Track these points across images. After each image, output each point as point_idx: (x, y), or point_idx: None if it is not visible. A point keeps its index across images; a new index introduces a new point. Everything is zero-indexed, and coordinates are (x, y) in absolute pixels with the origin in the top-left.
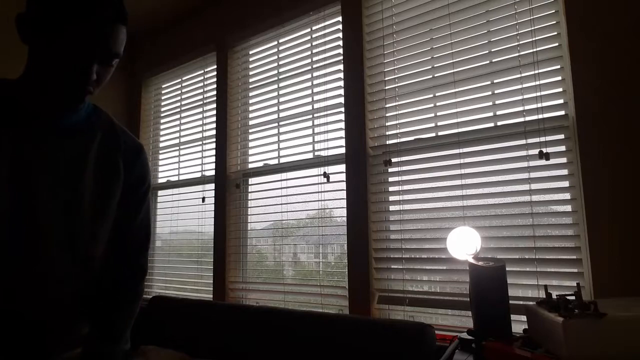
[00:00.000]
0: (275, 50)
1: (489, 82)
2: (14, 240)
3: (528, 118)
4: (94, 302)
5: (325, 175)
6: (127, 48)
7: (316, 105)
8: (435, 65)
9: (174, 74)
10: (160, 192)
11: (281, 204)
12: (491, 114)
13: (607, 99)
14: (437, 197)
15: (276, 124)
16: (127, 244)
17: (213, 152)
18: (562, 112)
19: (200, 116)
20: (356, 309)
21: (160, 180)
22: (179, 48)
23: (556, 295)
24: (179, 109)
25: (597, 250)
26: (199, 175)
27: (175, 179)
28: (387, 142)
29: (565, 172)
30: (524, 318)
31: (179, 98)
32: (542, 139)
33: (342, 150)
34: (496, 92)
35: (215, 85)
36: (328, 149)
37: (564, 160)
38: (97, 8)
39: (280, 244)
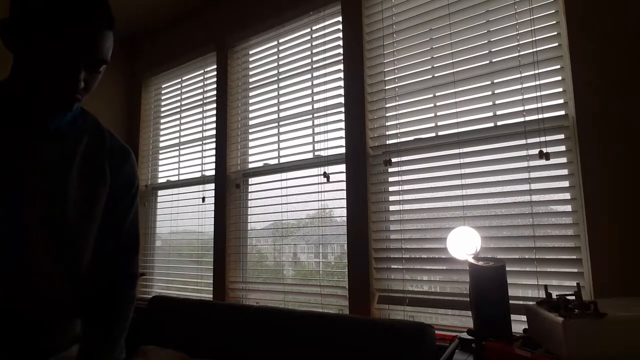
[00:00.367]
0: (275, 50)
1: (489, 82)
2: (0, 242)
3: (528, 118)
4: (86, 308)
5: (325, 175)
6: (127, 48)
7: (316, 105)
8: (435, 65)
9: (174, 74)
10: (160, 192)
11: (281, 204)
12: (491, 114)
13: (607, 99)
14: (437, 197)
15: (276, 124)
16: (116, 249)
17: (213, 152)
18: (562, 112)
19: (200, 116)
20: (356, 309)
21: (160, 180)
22: (179, 48)
23: (556, 295)
24: (179, 109)
25: (597, 250)
26: (199, 175)
27: (175, 179)
28: (387, 142)
29: (565, 172)
30: (524, 318)
31: (179, 98)
32: (542, 139)
33: (342, 150)
34: (496, 92)
35: (215, 85)
36: (328, 149)
37: (564, 160)
38: (83, 14)
39: (280, 244)
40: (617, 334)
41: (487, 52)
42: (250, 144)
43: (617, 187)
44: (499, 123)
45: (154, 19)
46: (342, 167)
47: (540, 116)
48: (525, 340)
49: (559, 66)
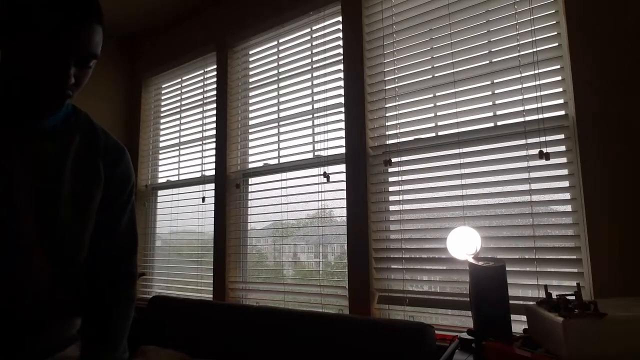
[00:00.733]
0: (275, 50)
1: (489, 82)
2: None
3: (528, 118)
4: (86, 308)
5: (325, 175)
6: (127, 48)
7: (316, 105)
8: (435, 65)
9: (174, 74)
10: (160, 192)
11: (281, 204)
12: (491, 114)
13: (607, 99)
14: (437, 197)
15: (276, 124)
16: (114, 249)
17: (213, 152)
18: (562, 112)
19: (200, 116)
20: (356, 309)
21: (160, 180)
22: (179, 48)
23: (556, 295)
24: (179, 109)
25: (597, 250)
26: (199, 175)
27: (175, 179)
28: (387, 142)
29: (565, 172)
30: (524, 318)
31: (179, 98)
32: (542, 139)
33: (342, 150)
34: (496, 92)
35: (215, 85)
36: (328, 149)
37: (564, 160)
38: (71, 9)
39: (280, 244)
40: (617, 334)
41: (487, 52)
42: (250, 144)
43: (617, 187)
44: (499, 123)
45: (154, 19)
46: (342, 167)
47: (540, 116)
48: (525, 340)
49: (559, 66)
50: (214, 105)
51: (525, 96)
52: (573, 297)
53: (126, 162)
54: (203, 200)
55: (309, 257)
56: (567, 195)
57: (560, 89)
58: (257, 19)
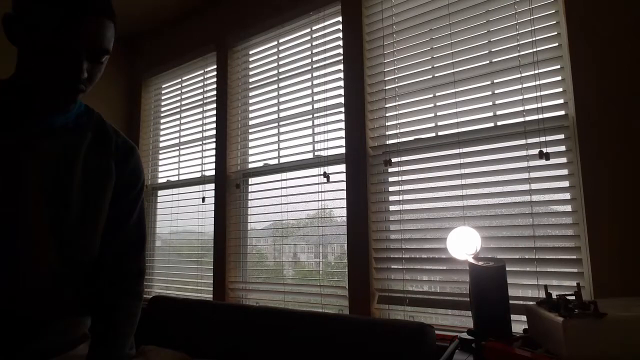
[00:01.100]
0: (275, 50)
1: (489, 82)
2: (2, 239)
3: (528, 118)
4: (94, 305)
5: (325, 175)
6: (127, 48)
7: (316, 105)
8: (435, 65)
9: (174, 74)
10: (160, 192)
11: (281, 204)
12: (491, 114)
13: (607, 99)
14: (437, 197)
15: (276, 124)
16: (123, 245)
17: (213, 152)
18: (562, 112)
19: (200, 116)
20: (356, 309)
21: (160, 180)
22: (179, 48)
23: (556, 295)
24: (179, 109)
25: (597, 250)
26: (199, 175)
27: (175, 179)
28: (387, 142)
29: (565, 172)
30: (524, 318)
31: (179, 98)
32: (542, 139)
33: (342, 150)
34: (496, 92)
35: (215, 85)
36: (328, 149)
37: (564, 160)
38: (84, 4)
39: (280, 244)
40: (617, 334)
41: (487, 52)
42: (250, 144)
43: (617, 187)
44: (499, 123)
45: (154, 19)
46: (342, 167)
47: (540, 116)
48: (525, 340)
49: (559, 66)
50: (214, 105)
51: (525, 96)
52: (573, 297)
53: (136, 160)
54: (203, 201)
55: (309, 257)
56: (567, 195)
57: (560, 89)
58: (257, 19)
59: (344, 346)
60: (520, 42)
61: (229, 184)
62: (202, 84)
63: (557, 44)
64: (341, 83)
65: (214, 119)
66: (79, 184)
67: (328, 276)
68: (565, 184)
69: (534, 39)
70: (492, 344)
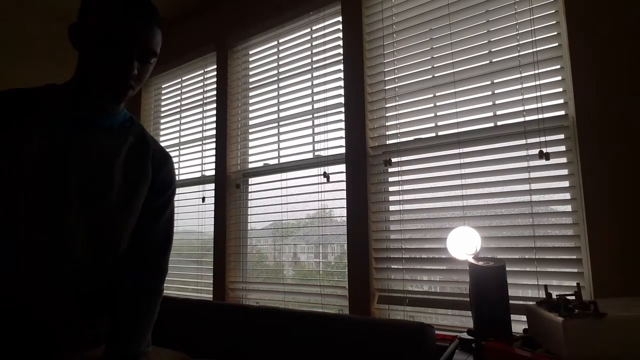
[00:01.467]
0: (275, 50)
1: (489, 82)
2: (38, 233)
3: (528, 118)
4: (115, 301)
5: (325, 175)
6: None
7: (316, 105)
8: (435, 65)
9: (174, 74)
10: None
11: (281, 204)
12: (491, 114)
13: (607, 99)
14: (437, 197)
15: (276, 124)
16: (149, 243)
17: (213, 152)
18: (562, 112)
19: (200, 116)
20: (356, 309)
21: None
22: (179, 48)
23: (556, 295)
24: (179, 109)
25: (597, 250)
26: (199, 175)
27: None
28: (387, 142)
29: (565, 172)
30: (524, 318)
31: (179, 98)
32: (542, 139)
33: (342, 150)
34: (496, 92)
35: (215, 85)
36: (328, 149)
37: (564, 160)
38: (139, 13)
39: (280, 244)
40: (617, 334)
41: (487, 52)
42: (250, 144)
43: (617, 187)
44: (499, 123)
45: None
46: (342, 167)
47: (540, 116)
48: (525, 340)
49: (559, 66)
50: (214, 105)
51: (525, 96)
52: (573, 297)
53: (170, 167)
54: (203, 200)
55: (309, 257)
56: (567, 195)
57: (560, 89)
58: (257, 19)
59: (344, 346)
60: (520, 42)
61: (229, 184)
62: (202, 84)
63: (557, 44)
64: (341, 83)
65: (214, 119)
66: (118, 180)
67: (328, 276)
68: (565, 184)
69: (534, 39)
70: (492, 344)
